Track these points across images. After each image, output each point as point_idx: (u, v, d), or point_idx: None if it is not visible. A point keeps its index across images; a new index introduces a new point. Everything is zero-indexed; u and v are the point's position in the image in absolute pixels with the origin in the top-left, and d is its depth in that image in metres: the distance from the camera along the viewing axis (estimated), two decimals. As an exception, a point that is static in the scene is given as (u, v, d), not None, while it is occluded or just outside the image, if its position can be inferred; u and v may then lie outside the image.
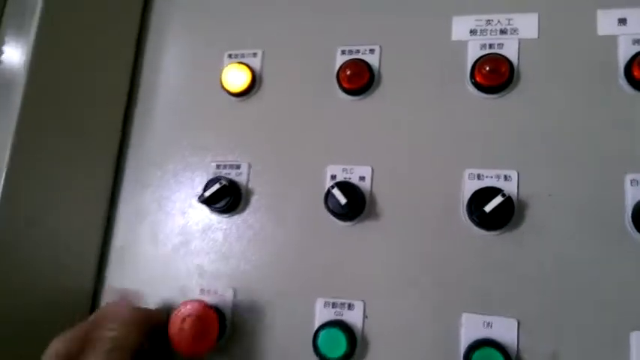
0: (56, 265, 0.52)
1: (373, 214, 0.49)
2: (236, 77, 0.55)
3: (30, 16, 0.50)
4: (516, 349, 0.43)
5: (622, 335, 0.41)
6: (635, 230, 0.43)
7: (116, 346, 0.41)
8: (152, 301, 0.53)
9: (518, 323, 0.43)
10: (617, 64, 0.47)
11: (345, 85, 0.53)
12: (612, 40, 0.48)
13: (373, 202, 0.49)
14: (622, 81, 0.46)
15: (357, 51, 0.54)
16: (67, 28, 0.52)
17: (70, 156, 0.53)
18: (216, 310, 0.49)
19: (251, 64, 0.56)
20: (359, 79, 0.52)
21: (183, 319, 0.46)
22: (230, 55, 0.58)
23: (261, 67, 0.57)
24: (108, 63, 0.58)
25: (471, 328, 0.44)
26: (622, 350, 0.41)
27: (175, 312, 0.47)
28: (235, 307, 0.51)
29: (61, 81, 0.52)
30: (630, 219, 0.43)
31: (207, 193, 0.51)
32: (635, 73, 0.45)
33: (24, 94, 0.48)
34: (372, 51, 0.54)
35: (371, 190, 0.50)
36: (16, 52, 0.50)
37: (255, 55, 0.57)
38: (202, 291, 0.52)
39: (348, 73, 0.52)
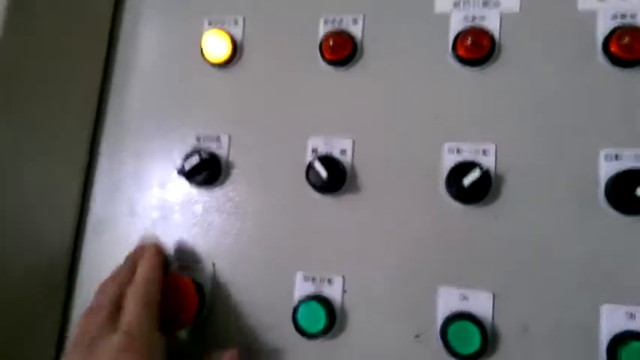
0: (32, 239, 0.51)
1: (354, 188, 0.49)
2: (216, 45, 0.54)
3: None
4: (491, 321, 0.44)
5: (593, 308, 0.42)
6: (608, 204, 0.44)
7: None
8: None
9: (494, 296, 0.44)
10: (596, 39, 0.47)
11: (328, 56, 0.52)
12: (592, 14, 0.47)
13: (354, 175, 0.49)
14: (600, 56, 0.46)
15: (341, 20, 0.53)
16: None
17: (45, 127, 0.51)
18: (196, 284, 0.49)
19: (232, 32, 0.55)
20: (342, 50, 0.51)
21: (162, 294, 0.46)
22: (210, 23, 0.56)
23: (242, 35, 0.55)
24: (83, 32, 0.56)
25: (448, 300, 0.45)
26: (592, 322, 0.42)
27: None
28: (215, 280, 0.51)
29: (35, 50, 0.50)
30: (604, 193, 0.44)
31: (187, 166, 0.50)
32: (613, 48, 0.45)
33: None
34: (355, 21, 0.53)
35: (352, 164, 0.50)
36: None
37: (236, 22, 0.56)
38: (182, 266, 0.51)
39: (331, 43, 0.51)
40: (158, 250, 0.49)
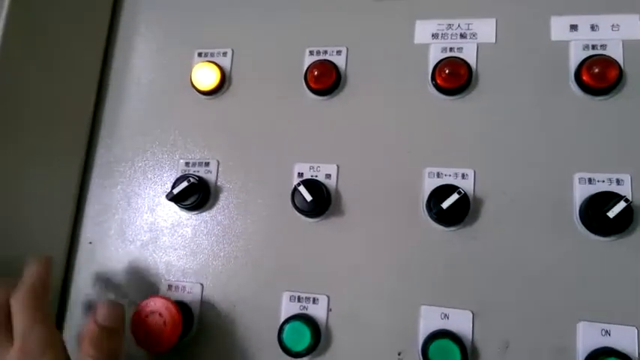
0: (23, 260, 0.52)
1: (338, 211, 0.51)
2: (206, 76, 0.56)
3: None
4: (471, 339, 0.45)
5: (569, 325, 0.44)
6: (582, 226, 0.45)
7: None
8: (120, 296, 0.53)
9: (473, 314, 0.45)
10: (569, 68, 0.49)
11: (313, 85, 0.54)
12: (564, 45, 0.50)
13: (338, 199, 0.51)
14: (572, 84, 0.49)
15: (325, 52, 0.56)
16: (35, 26, 0.52)
17: (38, 152, 0.53)
18: (184, 305, 0.50)
19: (220, 63, 0.57)
20: (326, 79, 0.54)
21: (146, 316, 0.47)
22: (200, 54, 0.59)
23: (231, 66, 0.58)
24: (76, 60, 0.58)
25: (429, 319, 0.46)
26: (569, 339, 0.43)
27: (139, 308, 0.47)
28: (203, 302, 0.52)
29: (29, 79, 0.52)
30: (578, 215, 0.45)
31: (176, 191, 0.52)
32: (585, 77, 0.48)
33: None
34: (339, 52, 0.55)
35: (336, 188, 0.51)
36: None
37: (224, 54, 0.58)
38: (170, 287, 0.52)
39: (316, 73, 0.53)
40: (44, 260, 0.46)
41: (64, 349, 0.42)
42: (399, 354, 0.46)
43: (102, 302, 0.44)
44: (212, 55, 0.58)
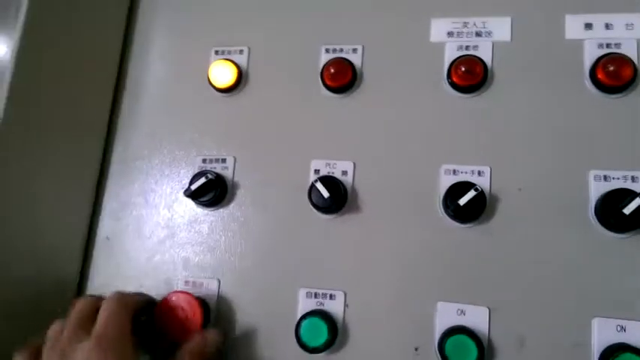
0: (40, 257, 0.53)
1: (355, 208, 0.51)
2: (222, 73, 0.57)
3: (16, 14, 0.50)
4: (487, 335, 0.45)
5: (584, 321, 0.44)
6: (597, 222, 0.46)
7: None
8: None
9: (490, 310, 0.46)
10: (583, 67, 0.50)
11: (329, 83, 0.54)
12: (579, 43, 0.51)
13: (355, 195, 0.51)
14: (587, 82, 0.49)
15: (341, 50, 0.56)
16: (54, 25, 0.53)
17: (57, 149, 0.54)
18: (201, 301, 0.51)
19: (237, 61, 0.58)
20: (342, 77, 0.54)
21: (169, 310, 0.48)
22: (217, 52, 0.59)
23: (248, 63, 0.58)
24: (95, 58, 0.59)
25: (446, 315, 0.46)
26: (584, 335, 0.44)
27: (162, 302, 0.48)
28: (220, 297, 0.52)
29: (48, 76, 0.52)
30: (593, 212, 0.46)
31: (193, 187, 0.52)
32: (599, 76, 0.48)
33: (10, 87, 0.48)
34: (354, 50, 0.56)
35: (353, 185, 0.52)
36: (2, 47, 0.50)
37: (241, 52, 0.59)
38: (187, 282, 0.53)
39: (332, 71, 0.54)
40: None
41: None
42: (415, 349, 0.46)
43: (216, 332, 0.48)
44: (229, 52, 0.59)
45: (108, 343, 0.41)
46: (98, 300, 0.46)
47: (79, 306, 0.45)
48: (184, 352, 0.45)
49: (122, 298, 0.45)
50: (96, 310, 0.44)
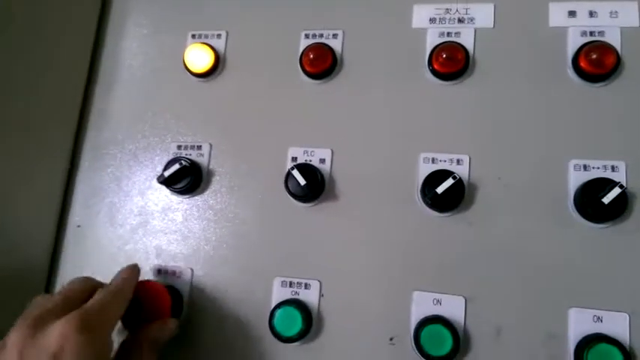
0: (12, 243, 0.51)
1: (332, 196, 0.50)
2: (199, 58, 0.55)
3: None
4: (463, 324, 0.44)
5: (561, 311, 0.43)
6: (577, 212, 0.45)
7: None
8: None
9: (466, 300, 0.45)
10: (566, 55, 0.49)
11: (308, 69, 0.53)
12: (562, 31, 0.50)
13: (332, 184, 0.50)
14: (570, 71, 0.48)
15: (321, 35, 0.55)
16: (23, 10, 0.51)
17: (26, 135, 0.52)
18: (173, 290, 0.50)
19: (214, 45, 0.56)
20: (322, 62, 0.53)
21: (138, 298, 0.46)
22: (194, 36, 0.58)
23: (225, 48, 0.57)
24: (67, 43, 0.57)
25: (422, 305, 0.46)
26: (561, 325, 0.43)
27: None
28: (193, 287, 0.51)
29: (18, 63, 0.51)
30: (573, 201, 0.45)
31: (167, 174, 0.51)
32: (582, 64, 0.47)
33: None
34: (335, 36, 0.55)
35: (330, 172, 0.51)
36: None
37: (219, 36, 0.57)
38: (160, 271, 0.52)
39: (311, 56, 0.53)
40: (136, 270, 0.47)
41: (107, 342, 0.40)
42: (390, 339, 0.46)
43: (174, 321, 0.46)
44: (206, 37, 0.57)
45: (94, 322, 0.38)
46: (96, 284, 0.44)
47: (74, 284, 0.43)
48: (141, 338, 0.43)
49: (130, 284, 0.44)
50: (89, 295, 0.41)
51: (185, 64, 0.56)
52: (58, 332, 0.36)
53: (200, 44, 0.56)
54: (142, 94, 0.58)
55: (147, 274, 0.52)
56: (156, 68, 0.58)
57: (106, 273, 0.52)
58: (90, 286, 0.43)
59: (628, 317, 0.42)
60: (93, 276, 0.47)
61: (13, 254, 0.51)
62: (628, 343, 0.41)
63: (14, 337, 0.36)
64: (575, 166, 0.46)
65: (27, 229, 0.53)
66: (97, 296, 0.41)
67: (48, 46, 0.54)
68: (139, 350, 0.43)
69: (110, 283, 0.44)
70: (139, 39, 0.60)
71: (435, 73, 0.51)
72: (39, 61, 0.53)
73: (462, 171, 0.47)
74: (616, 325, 0.42)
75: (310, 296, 0.48)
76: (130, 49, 0.60)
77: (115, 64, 0.60)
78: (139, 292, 0.46)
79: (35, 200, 0.54)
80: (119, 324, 0.45)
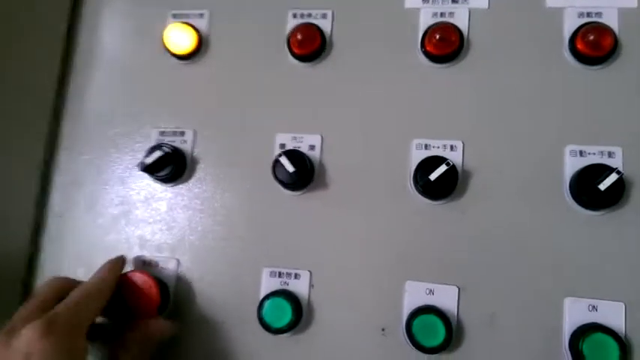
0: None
1: (322, 184, 0.49)
2: (180, 39, 0.52)
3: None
4: (456, 314, 0.44)
5: (556, 300, 0.43)
6: (572, 199, 0.44)
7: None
8: (91, 273, 0.50)
9: (459, 290, 0.44)
10: (563, 36, 0.47)
11: (296, 51, 0.51)
12: (559, 12, 0.48)
13: (322, 171, 0.49)
14: (566, 53, 0.47)
15: (309, 15, 0.53)
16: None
17: (1, 120, 0.49)
18: (159, 281, 0.48)
19: (197, 25, 0.54)
20: (310, 44, 0.51)
21: (125, 288, 0.45)
22: (174, 15, 0.55)
23: (208, 28, 0.54)
24: (41, 25, 0.54)
25: (414, 295, 0.45)
26: (556, 314, 0.42)
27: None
28: (179, 278, 0.49)
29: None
30: (568, 188, 0.44)
31: (148, 161, 0.49)
32: (579, 46, 0.46)
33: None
34: (324, 15, 0.52)
35: (320, 159, 0.49)
36: None
37: (201, 15, 0.54)
38: (144, 263, 0.50)
39: (299, 37, 0.50)
40: (119, 263, 0.47)
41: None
42: (382, 330, 0.45)
43: (167, 323, 0.45)
44: (187, 16, 0.55)
45: (62, 326, 0.37)
46: (72, 284, 0.42)
47: (47, 286, 0.42)
48: (131, 340, 0.42)
49: (103, 285, 0.43)
50: (64, 296, 0.40)
51: (165, 45, 0.53)
52: (25, 338, 0.36)
53: (181, 24, 0.53)
54: (121, 78, 0.55)
55: (131, 265, 0.50)
56: (135, 50, 0.56)
57: (87, 264, 0.51)
58: (65, 287, 0.42)
59: (624, 306, 0.41)
60: (74, 267, 0.46)
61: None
62: (623, 332, 0.41)
63: None
64: (571, 151, 0.45)
65: (6, 220, 0.51)
66: (69, 298, 0.40)
67: (21, 27, 0.51)
68: (128, 353, 0.42)
69: (86, 282, 0.42)
70: (116, 20, 0.57)
71: (428, 55, 0.49)
72: (11, 45, 0.50)
73: (455, 157, 0.46)
74: (612, 315, 0.41)
75: (300, 287, 0.47)
76: (107, 31, 0.57)
77: (91, 47, 0.57)
78: (124, 284, 0.45)
79: (13, 190, 0.51)
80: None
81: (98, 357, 0.44)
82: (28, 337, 0.36)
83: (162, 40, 0.53)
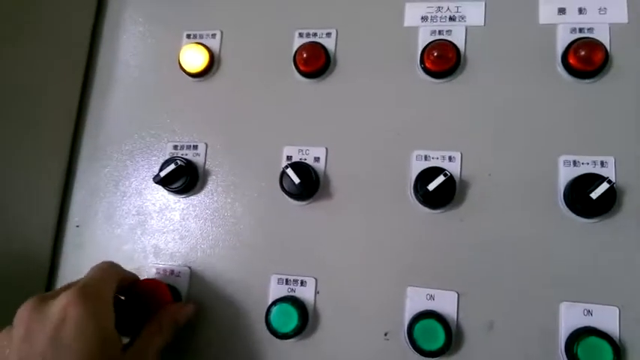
0: (12, 244, 0.52)
1: (326, 194, 0.51)
2: (194, 58, 0.56)
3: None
4: (456, 319, 0.45)
5: (552, 305, 0.44)
6: (566, 208, 0.46)
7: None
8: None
9: (458, 295, 0.46)
10: (556, 52, 0.49)
11: (302, 68, 0.54)
12: (552, 28, 0.50)
13: (327, 182, 0.51)
14: (559, 67, 0.49)
15: (315, 34, 0.55)
16: (21, 8, 0.51)
17: (24, 136, 0.53)
18: (172, 288, 0.50)
19: (209, 45, 0.57)
20: (315, 61, 0.53)
21: (139, 296, 0.47)
22: (189, 36, 0.58)
23: (220, 48, 0.57)
24: (63, 44, 0.57)
25: (415, 300, 0.46)
26: (552, 319, 0.44)
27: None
28: (191, 285, 0.52)
29: (16, 62, 0.51)
30: (562, 197, 0.46)
31: (163, 173, 0.51)
32: (571, 60, 0.48)
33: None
34: (328, 34, 0.55)
35: (325, 171, 0.51)
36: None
37: (213, 36, 0.58)
38: (158, 270, 0.52)
39: (305, 55, 0.53)
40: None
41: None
42: (385, 334, 0.46)
43: (191, 303, 0.49)
44: (201, 36, 0.58)
45: (91, 293, 0.39)
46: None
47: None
48: (160, 319, 0.45)
49: (114, 264, 0.46)
50: None
51: (180, 64, 0.56)
52: (60, 304, 0.38)
53: (195, 44, 0.56)
54: (138, 95, 0.58)
55: (146, 273, 0.52)
56: (151, 68, 0.59)
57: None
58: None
59: (618, 311, 0.43)
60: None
61: (15, 254, 0.52)
62: (618, 336, 0.42)
63: (20, 314, 0.38)
64: (564, 161, 0.47)
65: (27, 230, 0.54)
66: (89, 273, 0.43)
67: (44, 46, 0.55)
68: (158, 330, 0.44)
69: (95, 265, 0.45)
70: (134, 40, 0.61)
71: (427, 71, 0.51)
72: (36, 62, 0.54)
73: (453, 168, 0.48)
74: (606, 319, 0.43)
75: (306, 293, 0.49)
76: (125, 51, 0.60)
77: (111, 66, 0.60)
78: (138, 290, 0.47)
79: (35, 201, 0.54)
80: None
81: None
82: (62, 302, 0.38)
83: (177, 59, 0.56)
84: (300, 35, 0.56)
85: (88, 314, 0.37)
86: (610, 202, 0.43)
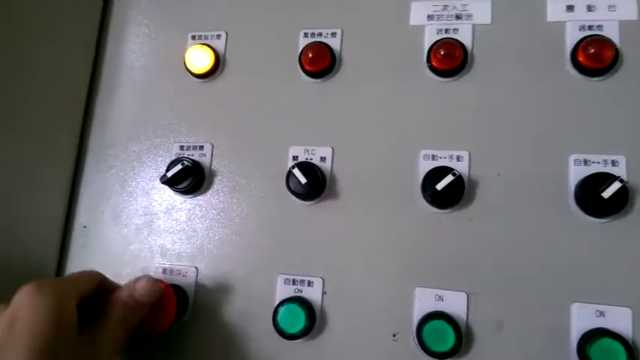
0: (17, 246, 0.52)
1: (333, 194, 0.51)
2: (199, 59, 0.56)
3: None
4: (465, 320, 0.45)
5: (564, 306, 0.43)
6: (577, 207, 0.45)
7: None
8: (116, 281, 0.53)
9: (468, 296, 0.45)
10: (565, 49, 0.49)
11: (308, 68, 0.53)
12: (560, 25, 0.50)
13: (333, 181, 0.51)
14: (568, 65, 0.48)
15: (320, 34, 0.55)
16: (26, 10, 0.52)
17: (32, 136, 0.53)
18: (178, 289, 0.50)
19: (214, 46, 0.57)
20: (321, 61, 0.53)
21: None
22: (194, 37, 0.58)
23: (225, 48, 0.57)
24: (69, 45, 0.58)
25: (424, 301, 0.46)
26: (563, 320, 0.43)
27: None
28: (198, 285, 0.51)
29: (22, 64, 0.51)
30: (573, 196, 0.45)
31: (170, 174, 0.51)
32: (580, 58, 0.47)
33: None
34: (333, 34, 0.55)
35: (331, 171, 0.51)
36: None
37: (218, 37, 0.58)
38: (165, 270, 0.52)
39: (310, 55, 0.53)
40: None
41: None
42: (394, 335, 0.46)
43: (144, 277, 0.45)
44: (206, 37, 0.58)
45: (53, 284, 0.39)
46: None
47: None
48: (114, 301, 0.43)
49: (97, 272, 0.45)
50: None
51: (186, 65, 0.56)
52: (16, 298, 0.38)
53: (200, 45, 0.56)
54: (144, 96, 0.59)
55: (152, 273, 0.52)
56: (157, 70, 0.59)
57: (113, 272, 0.53)
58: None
59: (630, 312, 0.42)
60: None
61: (22, 255, 0.52)
62: (631, 337, 0.41)
63: None
64: (575, 160, 0.46)
65: (35, 230, 0.54)
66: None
67: (50, 48, 0.55)
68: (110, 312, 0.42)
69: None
70: (140, 42, 0.61)
71: (434, 70, 0.51)
72: (42, 64, 0.54)
73: (462, 167, 0.48)
74: (619, 320, 0.42)
75: (313, 293, 0.48)
76: (131, 52, 0.60)
77: (116, 67, 0.60)
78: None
79: (42, 201, 0.55)
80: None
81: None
82: (18, 296, 0.38)
83: (183, 60, 0.56)
84: (306, 35, 0.55)
85: (41, 307, 0.37)
86: (622, 201, 0.43)
